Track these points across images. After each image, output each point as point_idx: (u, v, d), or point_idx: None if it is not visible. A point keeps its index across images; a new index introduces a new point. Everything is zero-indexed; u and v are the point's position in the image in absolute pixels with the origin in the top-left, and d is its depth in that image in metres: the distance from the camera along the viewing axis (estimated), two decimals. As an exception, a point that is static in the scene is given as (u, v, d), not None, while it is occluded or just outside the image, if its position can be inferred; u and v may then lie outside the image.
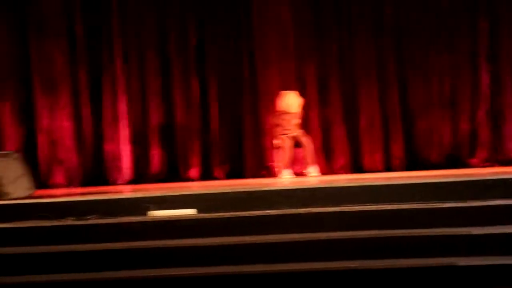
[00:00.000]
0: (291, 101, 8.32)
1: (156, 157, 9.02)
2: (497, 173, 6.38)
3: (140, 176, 8.94)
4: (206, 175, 8.94)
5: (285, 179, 8.07)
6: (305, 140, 8.34)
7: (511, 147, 8.77)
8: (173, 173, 8.95)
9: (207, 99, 9.11)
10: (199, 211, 5.32)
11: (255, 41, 9.09)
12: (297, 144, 8.41)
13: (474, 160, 8.81)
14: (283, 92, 8.48)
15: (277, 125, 8.40)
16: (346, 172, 8.91)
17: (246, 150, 9.07)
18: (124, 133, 8.99)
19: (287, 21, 9.08)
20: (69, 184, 8.82)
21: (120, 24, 9.03)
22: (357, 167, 8.98)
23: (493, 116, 8.89)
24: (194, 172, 8.97)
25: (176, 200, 5.48)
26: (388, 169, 8.89)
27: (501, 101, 8.86)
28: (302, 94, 8.68)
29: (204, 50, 9.11)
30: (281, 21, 9.08)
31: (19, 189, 6.26)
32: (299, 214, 5.21)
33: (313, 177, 8.13)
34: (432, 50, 8.99)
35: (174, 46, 9.09)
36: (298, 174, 8.44)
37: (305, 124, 8.74)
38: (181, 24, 9.09)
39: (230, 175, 8.95)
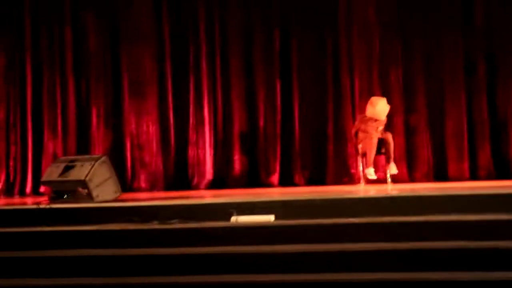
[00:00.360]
0: (380, 108, 8.19)
1: (237, 162, 9.10)
2: None
3: (221, 180, 9.05)
4: (286, 181, 8.94)
5: (370, 176, 7.99)
6: (388, 138, 8.22)
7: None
8: (253, 178, 9.01)
9: (289, 104, 9.13)
10: (279, 217, 5.33)
11: (340, 44, 9.03)
12: (379, 150, 8.31)
13: None
14: (373, 98, 8.36)
15: (362, 131, 8.30)
16: (430, 180, 8.72)
17: (328, 156, 9.02)
18: (207, 137, 9.13)
19: (373, 23, 8.97)
20: (152, 188, 9.03)
21: (206, 28, 9.17)
22: (441, 175, 8.77)
23: None
24: (274, 177, 9.00)
25: (257, 206, 5.51)
26: (474, 178, 8.64)
27: None
28: (387, 99, 8.57)
29: (288, 54, 9.13)
30: (366, 24, 8.98)
31: (106, 192, 6.43)
32: (380, 223, 5.14)
33: (393, 174, 8.02)
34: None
35: (258, 50, 9.15)
36: (381, 180, 8.34)
37: (389, 131, 8.61)
38: (266, 27, 9.14)
39: (311, 182, 8.92)
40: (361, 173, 8.37)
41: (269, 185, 8.93)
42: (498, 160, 8.67)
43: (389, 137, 8.26)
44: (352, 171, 8.82)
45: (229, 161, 9.12)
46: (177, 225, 5.35)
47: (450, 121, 8.82)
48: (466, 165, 8.70)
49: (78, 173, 6.43)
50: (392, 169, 8.17)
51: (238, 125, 9.18)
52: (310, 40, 9.11)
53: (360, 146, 8.32)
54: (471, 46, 8.75)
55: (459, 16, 8.76)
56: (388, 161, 8.25)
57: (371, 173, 8.10)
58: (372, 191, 6.94)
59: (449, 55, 8.80)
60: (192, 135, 9.17)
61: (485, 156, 8.71)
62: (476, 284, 4.43)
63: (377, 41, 8.97)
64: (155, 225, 5.39)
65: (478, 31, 8.73)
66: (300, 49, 9.11)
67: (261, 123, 9.16)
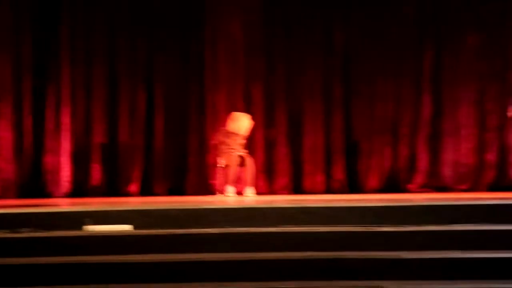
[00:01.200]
0: (242, 123, 8.38)
1: (96, 170, 8.94)
2: (430, 199, 6.52)
3: (79, 189, 8.84)
4: (147, 191, 8.90)
5: (228, 197, 8.09)
6: (248, 161, 8.40)
7: (448, 173, 9.00)
8: (113, 188, 8.88)
9: (152, 114, 9.10)
10: (137, 227, 5.29)
11: (205, 58, 9.12)
12: (241, 163, 8.46)
13: (411, 186, 9.02)
14: (236, 113, 8.53)
15: (222, 143, 8.42)
16: (287, 193, 8.99)
17: (189, 167, 9.06)
18: (65, 145, 8.88)
19: (238, 40, 9.15)
20: (4, 194, 8.64)
21: (68, 35, 8.95)
22: (298, 188, 9.07)
23: (431, 142, 9.12)
24: (134, 187, 8.91)
25: (114, 216, 5.43)
26: (329, 191, 9.01)
27: (440, 127, 9.10)
28: (249, 113, 8.76)
29: (153, 65, 9.10)
30: (232, 40, 9.15)
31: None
32: (238, 233, 5.22)
33: (250, 196, 8.18)
34: (378, 76, 9.20)
35: (123, 60, 9.06)
36: (240, 193, 8.49)
37: (249, 144, 8.80)
38: (130, 37, 9.06)
39: (171, 192, 8.92)
40: (220, 185, 8.48)
41: (129, 194, 8.83)
42: (350, 175, 9.11)
43: (250, 162, 8.41)
44: (213, 182, 8.91)
45: (88, 170, 8.93)
46: (28, 233, 5.15)
47: (308, 137, 9.16)
48: (322, 179, 9.07)
49: None
50: (248, 193, 8.32)
51: (99, 134, 9.02)
52: (175, 52, 9.14)
53: (222, 160, 8.43)
54: (330, 69, 9.17)
55: (321, 41, 9.16)
56: (247, 184, 8.40)
57: (230, 192, 8.22)
58: (230, 202, 7.04)
59: (310, 76, 9.17)
60: (49, 143, 8.89)
61: (339, 170, 9.12)
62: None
63: (242, 57, 9.15)
64: (5, 234, 5.16)
65: (337, 56, 9.16)
66: (165, 61, 9.11)
67: (123, 132, 9.05)
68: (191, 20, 9.13)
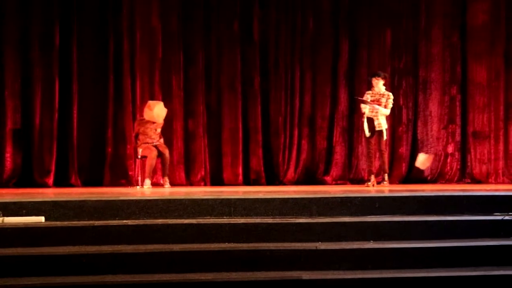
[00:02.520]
0: (157, 111, 8.30)
1: (9, 161, 8.68)
2: (345, 191, 6.67)
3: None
4: (62, 182, 8.70)
5: (145, 188, 8.02)
6: (164, 151, 8.35)
7: (363, 166, 9.22)
8: (27, 178, 8.65)
9: (68, 104, 8.89)
10: (51, 219, 5.16)
11: (123, 47, 8.98)
12: (158, 154, 8.41)
13: (328, 178, 9.19)
14: (150, 102, 8.45)
15: (142, 133, 8.34)
16: (206, 184, 8.98)
17: (106, 158, 8.91)
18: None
19: (156, 29, 9.06)
20: None
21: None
22: (217, 180, 9.08)
23: (348, 135, 9.32)
24: (49, 178, 8.69)
25: (27, 207, 5.29)
26: (247, 183, 9.06)
27: (355, 121, 9.30)
28: (168, 103, 8.69)
29: (69, 53, 8.87)
30: (150, 29, 9.05)
31: None
32: (155, 225, 5.19)
33: (167, 188, 8.14)
34: (296, 69, 9.30)
35: (36, 47, 8.79)
36: (159, 184, 8.43)
37: (168, 135, 8.74)
38: (45, 24, 8.80)
39: (88, 183, 8.75)
40: (139, 176, 8.40)
41: (44, 185, 8.60)
42: (268, 167, 9.19)
43: (166, 152, 8.36)
44: (130, 173, 8.81)
45: (1, 161, 8.63)
46: None
47: (226, 129, 9.17)
48: (240, 170, 9.10)
49: None
50: (166, 183, 8.28)
51: (11, 122, 8.74)
52: (92, 40, 8.96)
53: (140, 150, 8.34)
54: (249, 61, 9.20)
55: (239, 31, 9.17)
56: (163, 175, 8.35)
57: (147, 184, 8.15)
58: (147, 193, 6.98)
59: (229, 67, 9.18)
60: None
61: (257, 162, 9.18)
62: (241, 284, 4.64)
63: (160, 47, 9.06)
64: None
65: (255, 47, 9.21)
66: (81, 48, 8.91)
67: (37, 121, 8.80)
68: (108, 7, 8.96)
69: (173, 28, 9.09)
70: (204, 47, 9.16)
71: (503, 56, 9.36)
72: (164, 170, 8.38)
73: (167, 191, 7.58)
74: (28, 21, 8.79)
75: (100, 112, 8.99)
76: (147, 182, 8.18)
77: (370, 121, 8.07)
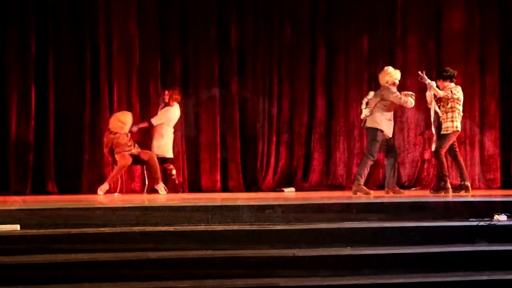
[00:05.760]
0: (124, 120, 8.28)
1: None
2: (323, 197, 6.69)
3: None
4: (39, 189, 8.62)
5: (99, 194, 8.01)
6: (148, 159, 8.30)
7: (341, 172, 9.25)
8: (2, 186, 8.53)
9: (45, 111, 8.81)
10: (26, 227, 5.11)
11: (100, 54, 8.94)
12: (138, 161, 8.38)
13: (306, 184, 9.21)
14: (117, 113, 8.46)
15: (115, 145, 8.29)
16: (184, 191, 8.95)
17: (83, 165, 8.85)
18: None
19: (133, 36, 9.04)
20: None
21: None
22: (195, 186, 9.05)
23: (325, 141, 9.36)
24: (25, 185, 8.60)
25: (2, 215, 5.23)
26: (225, 189, 9.04)
27: (333, 128, 9.34)
28: (145, 110, 8.64)
29: (46, 60, 8.81)
30: (127, 36, 9.02)
31: None
32: (132, 233, 5.16)
33: (161, 194, 8.13)
34: (274, 75, 9.32)
35: (12, 53, 8.72)
36: (136, 191, 8.39)
37: (147, 141, 8.70)
38: (21, 30, 8.72)
39: (65, 190, 8.68)
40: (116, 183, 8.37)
41: (20, 193, 8.51)
42: (246, 173, 9.20)
43: (151, 158, 8.32)
44: (108, 181, 8.74)
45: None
46: None
47: (204, 135, 9.16)
48: (218, 177, 9.10)
49: None
50: (161, 190, 8.25)
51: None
52: (69, 47, 8.90)
53: (117, 157, 8.31)
54: (226, 66, 9.21)
55: (217, 38, 9.17)
56: (156, 182, 8.31)
57: (102, 190, 8.13)
58: (123, 201, 6.95)
59: (206, 73, 9.18)
60: None
61: (235, 169, 9.18)
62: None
63: (137, 53, 9.04)
64: None
65: (233, 53, 9.21)
66: (58, 55, 8.85)
67: (13, 129, 8.72)
68: (85, 14, 8.91)
69: (150, 35, 9.08)
70: (182, 53, 9.16)
71: (478, 63, 9.46)
72: (153, 177, 8.31)
73: (141, 198, 7.55)
74: (3, 29, 8.71)
75: (77, 119, 8.93)
76: (103, 187, 8.16)
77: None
